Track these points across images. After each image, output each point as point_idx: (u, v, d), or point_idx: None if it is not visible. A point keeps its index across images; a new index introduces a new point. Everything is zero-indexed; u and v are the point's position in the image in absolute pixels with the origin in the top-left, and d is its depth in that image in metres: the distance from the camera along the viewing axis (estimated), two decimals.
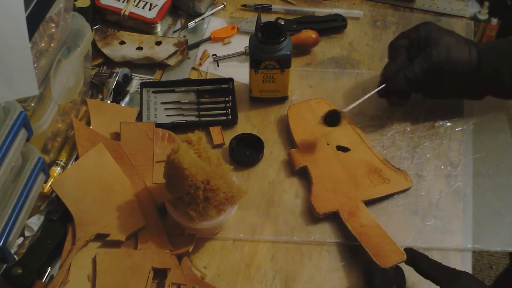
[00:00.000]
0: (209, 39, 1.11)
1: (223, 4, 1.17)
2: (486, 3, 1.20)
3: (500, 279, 1.41)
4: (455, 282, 0.70)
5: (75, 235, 0.80)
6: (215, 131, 0.96)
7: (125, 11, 1.11)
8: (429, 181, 0.90)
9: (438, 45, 0.88)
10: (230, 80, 1.01)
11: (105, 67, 1.06)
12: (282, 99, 1.00)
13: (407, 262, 0.76)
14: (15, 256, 0.79)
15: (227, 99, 1.00)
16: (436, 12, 1.17)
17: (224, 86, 1.01)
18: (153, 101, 1.00)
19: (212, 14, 1.16)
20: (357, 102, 0.91)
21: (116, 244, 0.80)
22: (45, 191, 0.86)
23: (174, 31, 1.13)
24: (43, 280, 0.78)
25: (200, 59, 1.08)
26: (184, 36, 1.11)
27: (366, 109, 0.99)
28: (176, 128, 0.95)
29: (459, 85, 0.90)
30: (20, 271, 0.77)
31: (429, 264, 0.73)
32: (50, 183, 0.86)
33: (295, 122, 0.95)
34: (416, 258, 0.75)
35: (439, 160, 0.93)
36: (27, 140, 0.77)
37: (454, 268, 0.73)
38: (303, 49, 1.08)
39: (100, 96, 1.00)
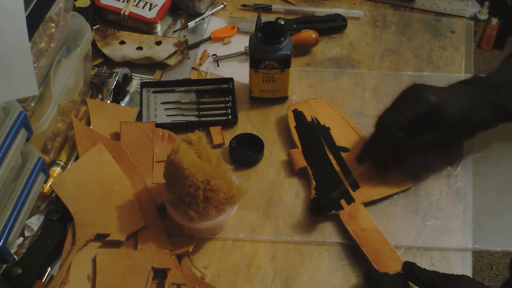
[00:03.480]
0: (209, 39, 1.11)
1: (223, 4, 1.17)
2: (486, 3, 1.21)
3: None
4: (457, 286, 0.70)
5: (75, 235, 0.80)
6: (215, 131, 0.95)
7: (125, 11, 1.11)
8: (429, 181, 0.90)
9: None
10: (230, 80, 1.01)
11: (105, 67, 1.06)
12: (282, 99, 1.00)
13: (406, 276, 0.75)
14: (15, 256, 0.79)
15: (227, 99, 1.00)
16: (436, 12, 1.17)
17: (224, 86, 1.01)
18: (153, 101, 0.99)
19: (212, 14, 1.16)
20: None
21: (116, 244, 0.80)
22: (45, 191, 0.86)
23: (174, 31, 1.13)
24: (43, 280, 0.78)
25: (200, 59, 1.08)
26: (184, 36, 1.11)
27: (366, 109, 0.99)
28: (176, 128, 0.95)
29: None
30: (20, 271, 0.76)
31: (428, 275, 0.73)
32: (50, 183, 0.86)
33: (294, 122, 0.95)
34: (415, 271, 0.74)
35: None
36: (27, 140, 0.77)
37: (452, 274, 0.73)
38: (303, 49, 1.08)
39: (100, 96, 0.99)
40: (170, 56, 1.05)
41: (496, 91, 0.84)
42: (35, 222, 0.83)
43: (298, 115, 0.96)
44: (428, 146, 0.86)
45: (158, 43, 1.07)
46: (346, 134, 0.94)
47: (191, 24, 1.14)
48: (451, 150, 0.92)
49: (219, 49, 1.09)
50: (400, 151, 0.86)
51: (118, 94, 0.99)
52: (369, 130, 0.95)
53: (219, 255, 0.82)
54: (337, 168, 0.89)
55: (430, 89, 0.84)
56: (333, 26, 1.12)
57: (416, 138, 0.84)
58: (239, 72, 1.03)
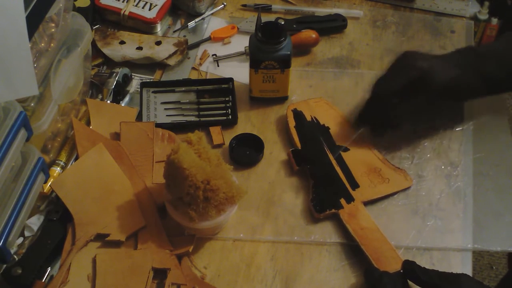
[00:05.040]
0: (209, 39, 1.11)
1: (223, 4, 1.17)
2: (486, 3, 1.20)
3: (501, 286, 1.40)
4: (456, 285, 0.70)
5: (75, 235, 0.80)
6: (215, 131, 0.96)
7: (125, 11, 1.11)
8: (429, 181, 0.90)
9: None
10: (230, 80, 1.01)
11: (105, 67, 1.06)
12: (282, 99, 1.00)
13: (407, 274, 0.75)
14: (15, 256, 0.79)
15: (227, 99, 1.00)
16: (436, 12, 1.17)
17: (224, 86, 1.01)
18: (153, 101, 0.99)
19: (212, 14, 1.16)
20: None
21: (116, 244, 0.80)
22: (45, 191, 0.86)
23: (174, 31, 1.13)
24: (43, 280, 0.78)
25: (200, 59, 1.08)
26: (184, 36, 1.11)
27: None
28: (176, 128, 0.95)
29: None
30: (20, 271, 0.76)
31: (428, 274, 0.73)
32: (50, 183, 0.86)
33: (294, 122, 0.95)
34: (415, 269, 0.74)
35: (439, 160, 0.93)
36: (27, 140, 0.77)
37: (452, 272, 0.73)
38: (303, 49, 1.08)
39: (100, 96, 0.99)
40: (170, 56, 1.05)
41: (483, 61, 0.88)
42: (35, 222, 0.83)
43: (298, 115, 0.96)
44: (419, 109, 0.90)
45: (158, 43, 1.07)
46: (345, 133, 0.94)
47: (191, 24, 1.14)
48: (442, 114, 0.96)
49: (219, 49, 1.09)
50: (395, 115, 0.90)
51: (118, 94, 0.99)
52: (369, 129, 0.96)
53: (219, 255, 0.82)
54: (337, 167, 0.89)
55: (421, 56, 0.89)
56: (333, 26, 1.12)
57: (408, 102, 0.88)
58: (239, 72, 1.03)
